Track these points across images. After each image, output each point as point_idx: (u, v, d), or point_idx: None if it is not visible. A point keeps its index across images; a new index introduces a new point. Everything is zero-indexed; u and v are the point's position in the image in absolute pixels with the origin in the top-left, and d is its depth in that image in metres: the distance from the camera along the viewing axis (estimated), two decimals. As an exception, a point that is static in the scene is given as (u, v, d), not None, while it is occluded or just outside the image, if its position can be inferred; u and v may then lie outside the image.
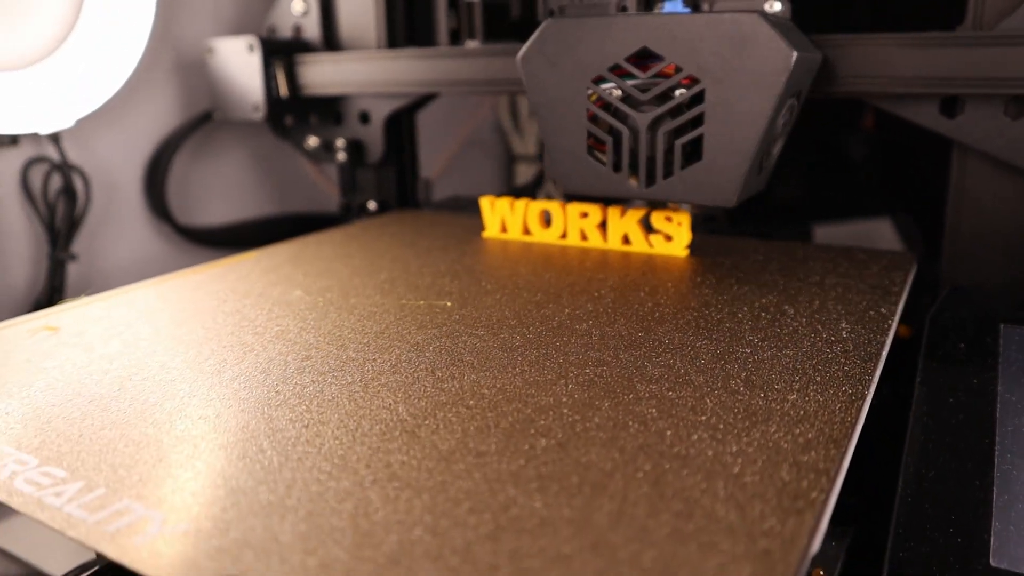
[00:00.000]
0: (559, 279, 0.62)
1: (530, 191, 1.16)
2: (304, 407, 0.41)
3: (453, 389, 0.43)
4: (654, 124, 0.62)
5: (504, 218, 0.76)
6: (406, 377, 0.45)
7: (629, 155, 0.64)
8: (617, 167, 0.65)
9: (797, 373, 0.44)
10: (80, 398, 0.44)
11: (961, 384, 0.49)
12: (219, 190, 1.06)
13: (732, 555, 0.29)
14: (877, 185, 1.23)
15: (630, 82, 0.62)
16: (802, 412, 0.39)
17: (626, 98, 0.63)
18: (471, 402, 0.41)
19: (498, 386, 0.43)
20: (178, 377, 0.46)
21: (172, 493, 0.34)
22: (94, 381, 0.46)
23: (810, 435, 0.37)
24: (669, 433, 0.38)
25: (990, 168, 0.64)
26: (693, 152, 0.62)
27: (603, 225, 0.71)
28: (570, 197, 0.72)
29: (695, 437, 0.37)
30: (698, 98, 0.60)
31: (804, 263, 0.65)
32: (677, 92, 0.61)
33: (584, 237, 0.72)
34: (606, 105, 0.64)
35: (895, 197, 1.19)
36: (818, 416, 0.39)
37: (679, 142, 0.62)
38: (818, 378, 0.43)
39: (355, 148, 0.92)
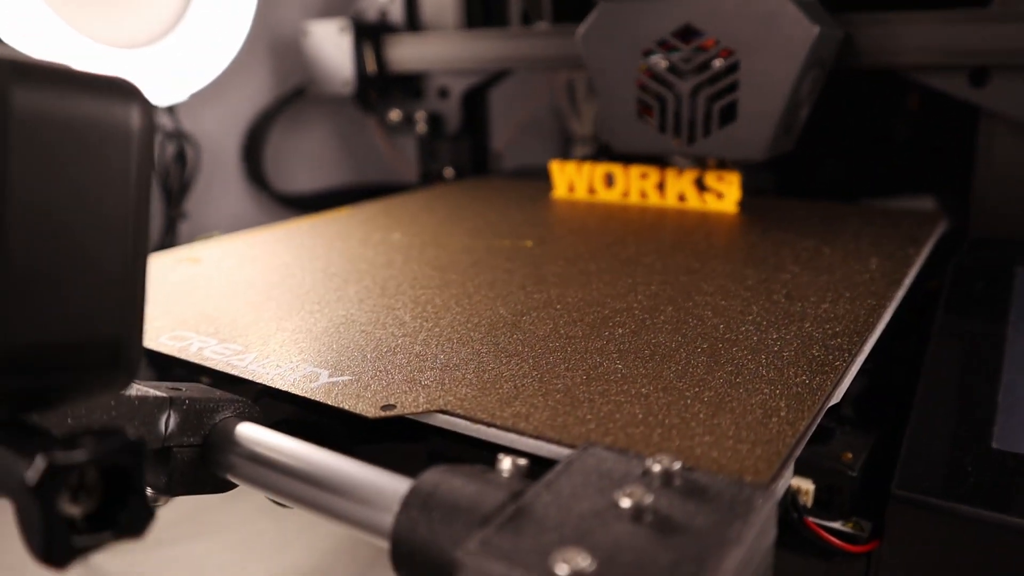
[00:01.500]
0: (623, 227, 0.71)
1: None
2: (421, 309, 0.51)
3: (542, 298, 0.52)
4: (695, 91, 0.71)
5: (571, 179, 0.85)
6: (501, 291, 0.54)
7: (673, 118, 0.73)
8: (663, 128, 0.74)
9: (830, 290, 0.52)
10: (237, 300, 0.54)
11: (978, 312, 0.57)
12: (305, 160, 1.17)
13: (771, 395, 0.37)
14: (922, 164, 1.29)
15: (675, 55, 0.71)
16: (832, 315, 0.48)
17: (671, 68, 0.72)
18: (558, 306, 0.50)
19: (579, 296, 0.52)
20: (310, 290, 0.56)
21: (334, 356, 0.43)
22: (243, 291, 0.56)
23: (838, 328, 0.46)
24: (722, 326, 0.46)
25: (1014, 132, 0.71)
26: (728, 114, 0.71)
27: (660, 185, 0.80)
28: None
29: (743, 329, 0.46)
30: (733, 68, 0.69)
31: (843, 218, 0.73)
32: (715, 63, 0.70)
33: (643, 195, 0.81)
34: (654, 75, 0.73)
35: (938, 175, 1.25)
36: (845, 317, 0.47)
37: (716, 106, 0.71)
38: (847, 294, 0.51)
39: (434, 121, 1.02)
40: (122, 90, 0.25)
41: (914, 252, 0.61)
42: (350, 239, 0.70)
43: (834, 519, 0.47)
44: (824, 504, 0.48)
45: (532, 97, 1.60)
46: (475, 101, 1.04)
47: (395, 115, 1.06)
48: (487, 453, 0.34)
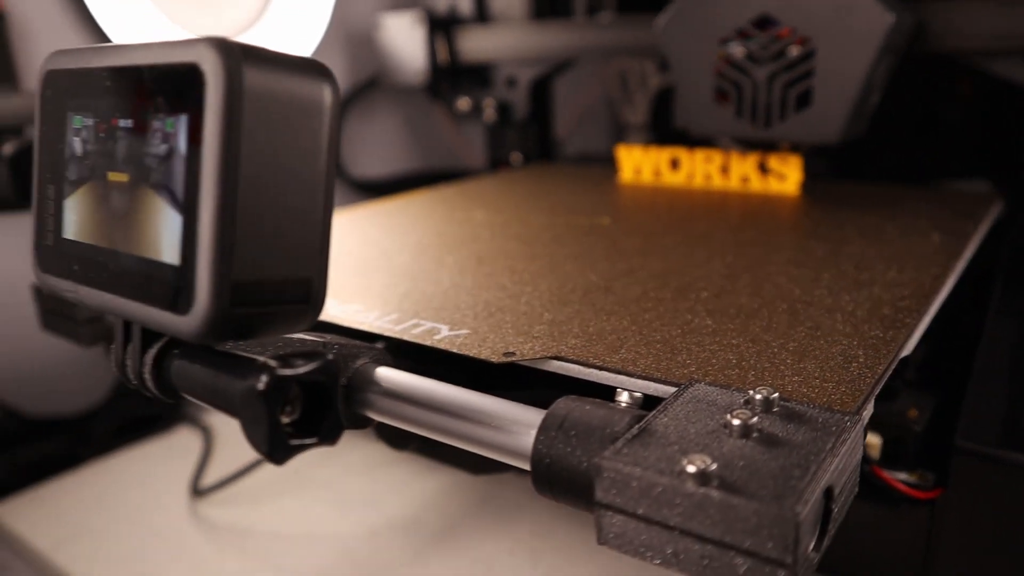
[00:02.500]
0: (691, 207, 0.76)
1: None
2: (518, 276, 0.56)
3: (626, 267, 0.57)
4: (771, 77, 0.75)
5: (638, 163, 0.89)
6: (587, 261, 0.59)
7: (750, 103, 0.77)
8: (739, 113, 0.78)
9: (895, 261, 0.56)
10: (344, 270, 0.59)
11: (1034, 285, 0.61)
12: (376, 147, 1.23)
13: (849, 345, 0.42)
14: (974, 149, 1.31)
15: (752, 43, 0.75)
16: (898, 282, 0.52)
17: (748, 56, 0.76)
18: (643, 274, 0.55)
19: (661, 266, 0.57)
20: (410, 261, 0.61)
21: (448, 315, 0.48)
22: (346, 262, 0.61)
23: (905, 293, 0.50)
24: (797, 290, 0.51)
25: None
26: (803, 100, 0.75)
27: (724, 169, 0.84)
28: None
29: (817, 293, 0.50)
30: (808, 55, 0.73)
31: (901, 198, 0.76)
32: (791, 50, 0.73)
33: (707, 178, 0.85)
34: (731, 62, 0.77)
35: (992, 160, 1.27)
36: (911, 284, 0.51)
37: (792, 92, 0.75)
38: (912, 263, 0.55)
39: (502, 109, 1.07)
40: (319, 70, 0.30)
41: (972, 228, 0.65)
42: (435, 217, 0.75)
43: (900, 471, 0.51)
44: (891, 457, 0.52)
45: (588, 87, 1.64)
46: (541, 90, 1.08)
47: (464, 104, 1.11)
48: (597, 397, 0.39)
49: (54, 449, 0.83)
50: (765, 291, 0.51)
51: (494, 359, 0.42)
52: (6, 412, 0.85)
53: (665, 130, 1.22)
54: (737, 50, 0.76)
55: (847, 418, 0.33)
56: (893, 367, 0.41)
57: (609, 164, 0.99)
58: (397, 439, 0.52)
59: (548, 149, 1.11)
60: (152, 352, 0.33)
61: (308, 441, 0.29)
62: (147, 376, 0.33)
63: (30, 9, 0.86)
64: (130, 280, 0.31)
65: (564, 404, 0.34)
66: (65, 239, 0.35)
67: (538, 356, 0.42)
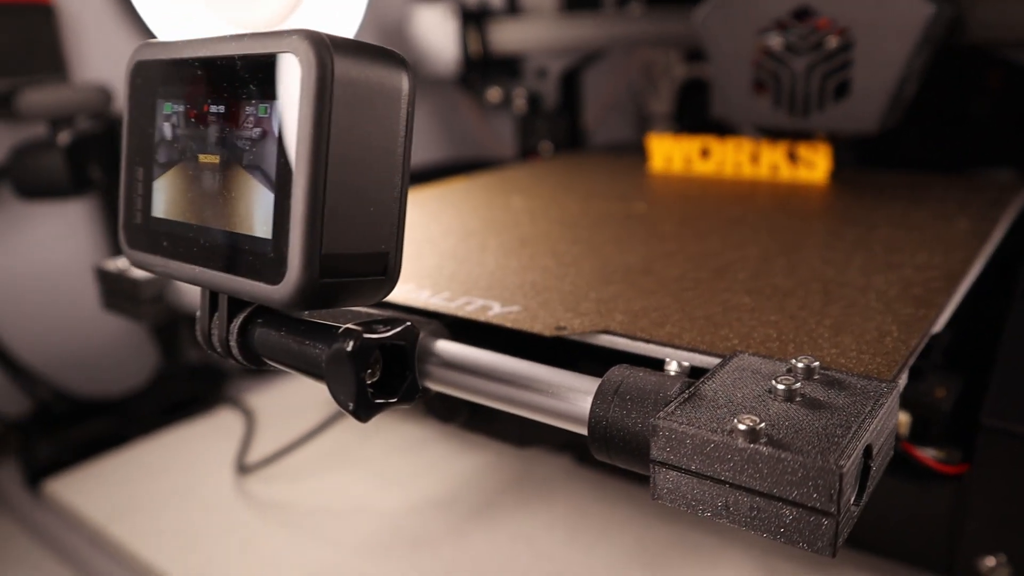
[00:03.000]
0: (723, 194, 0.78)
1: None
2: (560, 258, 0.58)
3: (665, 250, 0.59)
4: (810, 68, 0.77)
5: (669, 152, 0.91)
6: (626, 245, 0.61)
7: (788, 93, 0.79)
8: (777, 103, 0.80)
9: (924, 245, 0.58)
10: (412, 250, 0.61)
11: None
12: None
13: (883, 321, 0.44)
14: (1001, 140, 1.31)
15: (791, 34, 0.77)
16: (928, 264, 0.54)
17: (787, 47, 0.78)
18: (681, 256, 0.57)
19: (697, 249, 0.59)
20: (455, 244, 0.63)
21: (497, 293, 0.51)
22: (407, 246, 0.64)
23: (934, 275, 0.52)
24: (830, 271, 0.53)
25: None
26: (841, 90, 0.76)
27: (754, 157, 0.86)
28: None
29: (849, 274, 0.52)
30: (847, 46, 0.75)
31: (928, 185, 0.78)
32: (829, 41, 0.75)
33: (738, 167, 0.87)
34: (770, 53, 0.79)
35: (1018, 151, 1.27)
36: (940, 267, 0.53)
37: (831, 82, 0.76)
38: (940, 247, 0.57)
39: (532, 99, 1.09)
40: (397, 60, 0.33)
41: (999, 214, 0.67)
42: (474, 203, 0.78)
43: (928, 448, 0.53)
44: (919, 435, 0.54)
45: (614, 78, 1.66)
46: (571, 81, 1.10)
47: (494, 95, 1.13)
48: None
49: (102, 429, 0.86)
50: (799, 272, 0.53)
51: (547, 333, 0.44)
52: (58, 394, 0.89)
53: (689, 120, 1.24)
54: (776, 41, 0.78)
55: (884, 385, 0.35)
56: (925, 342, 0.43)
57: (636, 153, 1.01)
58: (446, 412, 0.55)
59: (577, 139, 1.13)
60: (238, 321, 0.35)
61: (389, 400, 0.32)
62: (232, 344, 0.36)
63: (76, 3, 0.89)
64: (222, 254, 0.33)
65: (618, 372, 0.37)
66: (154, 217, 0.37)
67: (588, 330, 0.44)
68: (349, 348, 0.30)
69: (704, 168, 0.89)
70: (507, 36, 1.07)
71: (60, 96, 0.76)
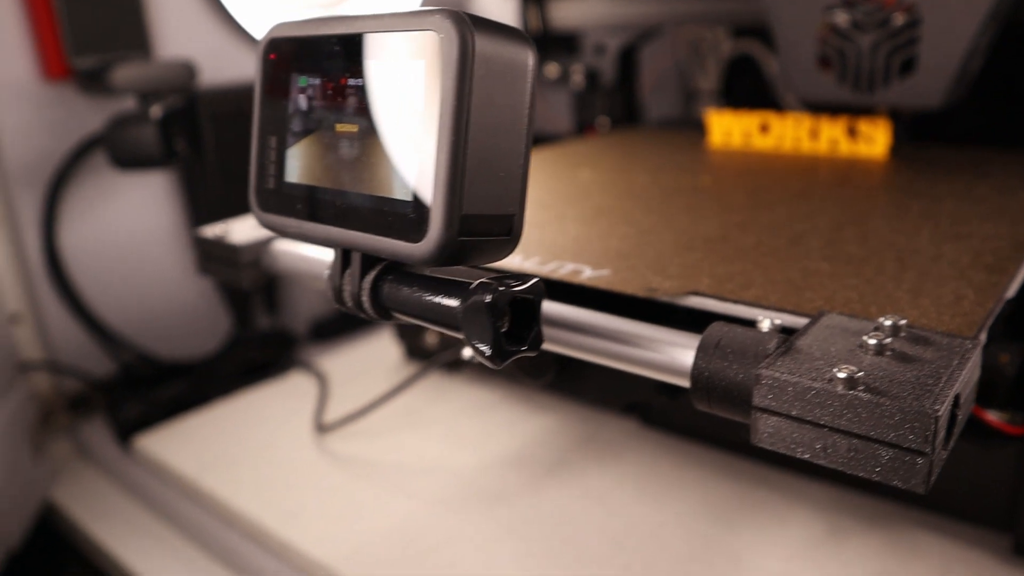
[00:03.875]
0: (785, 168, 0.80)
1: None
2: (637, 227, 0.61)
3: (738, 220, 0.62)
4: (876, 45, 0.79)
5: (728, 127, 0.93)
6: (699, 215, 0.64)
7: (853, 70, 0.81)
8: (843, 79, 0.82)
9: (990, 218, 0.60)
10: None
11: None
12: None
13: (958, 287, 0.46)
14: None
15: (857, 11, 0.79)
16: (996, 235, 0.56)
17: (853, 23, 0.80)
18: (754, 226, 0.60)
19: (768, 219, 0.62)
20: (531, 213, 0.66)
21: (585, 258, 0.54)
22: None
23: (1003, 244, 0.54)
24: (901, 240, 0.55)
25: None
26: (907, 66, 0.78)
27: (814, 132, 0.88)
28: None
29: (920, 243, 0.55)
30: (914, 23, 0.76)
31: (990, 161, 0.80)
32: (896, 18, 0.77)
33: (797, 142, 0.89)
34: (835, 30, 0.81)
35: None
36: (1008, 237, 0.56)
37: (896, 58, 0.78)
38: (1006, 219, 0.60)
39: (590, 75, 1.11)
40: (524, 37, 0.36)
41: (1062, 187, 0.68)
42: (543, 176, 0.81)
43: (992, 410, 0.56)
44: (983, 398, 0.57)
45: (661, 54, 1.67)
46: (628, 57, 1.13)
47: (552, 70, 1.16)
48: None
49: (184, 389, 0.90)
50: (871, 242, 0.55)
51: (640, 294, 0.47)
52: (140, 356, 0.93)
53: (735, 97, 1.26)
54: (842, 18, 0.80)
55: (968, 341, 0.38)
56: (1000, 306, 0.45)
57: (692, 129, 1.04)
58: (535, 371, 0.58)
59: (633, 114, 1.15)
60: (369, 278, 0.39)
61: (519, 348, 0.35)
62: (364, 299, 0.39)
63: (161, -19, 0.93)
64: (360, 215, 0.37)
65: (717, 328, 0.40)
66: (288, 182, 0.41)
67: (679, 292, 0.47)
68: (488, 300, 0.33)
69: (763, 143, 0.91)
70: (566, 12, 1.09)
71: (150, 72, 0.79)
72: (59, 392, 0.93)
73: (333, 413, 0.82)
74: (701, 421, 0.67)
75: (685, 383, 0.40)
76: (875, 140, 0.84)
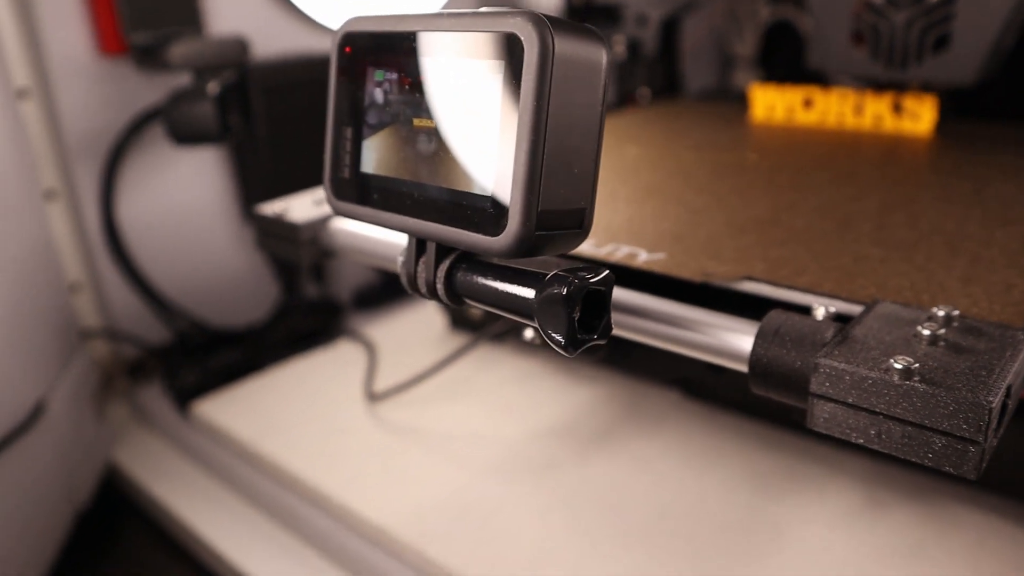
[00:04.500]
0: (830, 145, 0.81)
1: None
2: (688, 207, 0.63)
3: (787, 201, 0.63)
4: (910, 21, 0.79)
5: (771, 101, 0.94)
6: (749, 196, 0.65)
7: (887, 46, 0.81)
8: (875, 55, 0.82)
9: (1040, 199, 0.61)
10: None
11: None
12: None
13: (1010, 274, 0.48)
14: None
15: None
16: (1045, 219, 0.57)
17: (888, 0, 0.80)
18: (804, 207, 0.61)
19: (817, 201, 0.63)
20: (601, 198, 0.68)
21: (639, 241, 0.56)
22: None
23: (1053, 229, 0.55)
24: (951, 225, 0.56)
25: None
26: (940, 43, 0.78)
27: (858, 108, 0.88)
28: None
29: (969, 228, 0.56)
30: (947, 1, 0.76)
31: (1034, 138, 0.80)
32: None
33: (841, 117, 0.89)
34: (870, 5, 0.81)
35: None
36: (1058, 221, 0.57)
37: (930, 35, 0.78)
38: (1055, 202, 0.60)
39: (632, 45, 1.12)
40: (597, 36, 0.37)
41: (1110, 168, 0.69)
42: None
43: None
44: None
45: (699, 20, 1.66)
46: (670, 28, 1.13)
47: (593, 41, 1.16)
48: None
49: (237, 357, 0.94)
50: (921, 225, 0.57)
51: (696, 279, 0.49)
52: (195, 324, 0.96)
53: (772, 64, 1.26)
54: (877, -6, 0.80)
55: (1020, 332, 0.39)
56: (1049, 293, 0.47)
57: (734, 101, 1.04)
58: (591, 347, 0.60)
59: (675, 85, 1.16)
60: (444, 266, 0.41)
61: (591, 337, 0.37)
62: (439, 287, 0.41)
63: (211, -44, 0.94)
64: (438, 207, 0.39)
65: (776, 316, 0.42)
66: (364, 173, 0.43)
67: (734, 277, 0.49)
68: (564, 293, 0.35)
69: (806, 118, 0.92)
70: (609, -16, 1.09)
71: (205, 48, 0.81)
72: (118, 358, 0.96)
73: (382, 381, 0.85)
74: (741, 394, 0.69)
75: (743, 368, 0.42)
76: (920, 116, 0.84)
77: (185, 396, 0.87)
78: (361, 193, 0.43)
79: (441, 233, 0.39)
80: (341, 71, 0.43)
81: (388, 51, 0.41)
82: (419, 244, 0.42)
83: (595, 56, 0.37)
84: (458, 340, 0.92)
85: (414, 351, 0.90)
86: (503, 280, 0.39)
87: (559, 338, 0.36)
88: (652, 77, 1.13)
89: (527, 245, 0.36)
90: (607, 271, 0.37)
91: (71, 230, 0.91)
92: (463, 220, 0.38)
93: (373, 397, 0.82)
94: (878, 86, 0.87)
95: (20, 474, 0.68)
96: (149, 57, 0.86)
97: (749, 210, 0.61)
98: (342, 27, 0.43)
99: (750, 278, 0.49)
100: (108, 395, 0.95)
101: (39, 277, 0.80)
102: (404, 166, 0.40)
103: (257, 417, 0.82)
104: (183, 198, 0.98)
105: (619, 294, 0.47)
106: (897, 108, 0.86)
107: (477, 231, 0.37)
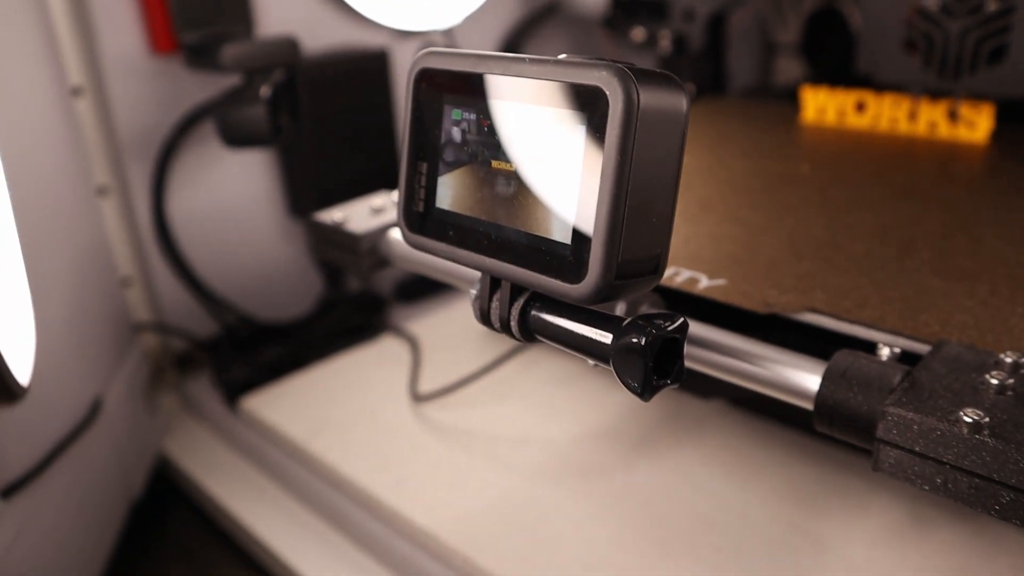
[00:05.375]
0: (883, 154, 0.80)
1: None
2: (744, 226, 0.63)
3: (844, 221, 0.63)
4: (965, 32, 0.78)
5: (822, 104, 0.93)
6: (805, 213, 0.65)
7: (940, 55, 0.80)
8: (928, 63, 0.81)
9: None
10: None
11: None
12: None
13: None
14: None
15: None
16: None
17: (943, 8, 0.79)
18: (862, 230, 0.61)
19: (875, 221, 0.63)
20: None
21: (698, 265, 0.56)
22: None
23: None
24: (1011, 253, 0.56)
25: None
26: (996, 54, 0.77)
27: (912, 114, 0.87)
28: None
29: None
30: (1007, 10, 0.75)
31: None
32: (988, 5, 0.76)
33: (894, 123, 0.88)
34: (924, 14, 0.80)
35: None
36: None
37: (986, 46, 0.78)
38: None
39: (678, 41, 1.11)
40: (678, 84, 0.37)
41: None
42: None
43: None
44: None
45: (746, 9, 1.64)
46: (717, 23, 1.12)
47: (638, 34, 1.15)
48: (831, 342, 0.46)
49: (283, 352, 0.95)
50: (982, 253, 0.57)
51: (760, 311, 0.49)
52: (241, 318, 0.98)
53: (817, 52, 1.24)
54: (931, 2, 0.79)
55: (1091, 383, 0.39)
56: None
57: (781, 101, 1.04)
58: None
59: (720, 82, 1.15)
60: (518, 304, 0.42)
61: (665, 382, 0.38)
62: (513, 324, 0.42)
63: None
64: (515, 249, 0.39)
65: (842, 358, 0.42)
66: (440, 208, 0.43)
67: (797, 309, 0.49)
68: (642, 343, 0.36)
69: (858, 122, 0.91)
70: (655, -22, 1.09)
71: (256, 50, 0.82)
72: (167, 351, 0.98)
73: (426, 379, 0.86)
74: (785, 404, 0.69)
75: (807, 406, 0.43)
76: (977, 125, 0.84)
77: (234, 391, 0.89)
78: (437, 228, 0.44)
79: (518, 275, 0.39)
80: (416, 106, 0.44)
81: (467, 91, 0.41)
82: (493, 281, 0.43)
83: (677, 105, 0.37)
84: (499, 336, 0.93)
85: (457, 347, 0.92)
86: (579, 322, 0.40)
87: (635, 386, 0.37)
88: (698, 73, 1.13)
89: (605, 294, 0.36)
90: (682, 319, 0.37)
91: (123, 225, 0.92)
92: (541, 265, 0.38)
93: (418, 398, 0.84)
94: (932, 93, 0.87)
95: (81, 470, 0.70)
96: (200, 56, 0.87)
97: (806, 230, 0.61)
98: (418, 60, 0.44)
99: (813, 310, 0.49)
100: (159, 387, 0.97)
101: (95, 274, 0.82)
102: (481, 206, 0.41)
103: (305, 415, 0.84)
104: (231, 194, 0.99)
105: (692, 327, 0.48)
106: (953, 115, 0.85)
107: (555, 277, 0.38)
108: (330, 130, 0.99)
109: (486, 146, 0.40)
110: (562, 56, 0.38)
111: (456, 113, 0.42)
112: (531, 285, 0.39)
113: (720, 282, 0.53)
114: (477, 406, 0.83)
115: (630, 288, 0.38)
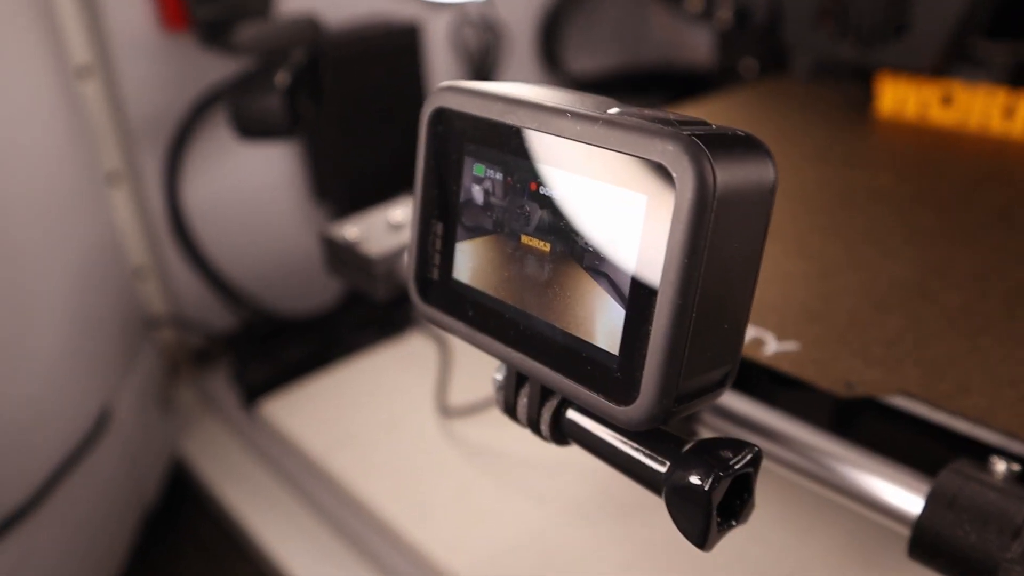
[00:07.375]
0: (976, 163, 0.70)
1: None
2: (816, 262, 0.55)
3: (933, 259, 0.54)
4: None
5: (903, 95, 0.83)
6: (885, 246, 0.56)
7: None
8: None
9: None
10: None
11: None
12: (592, 42, 1.19)
13: None
14: None
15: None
16: None
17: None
18: (956, 273, 0.52)
19: (970, 260, 0.54)
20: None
21: (765, 320, 0.48)
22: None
23: None
24: None
25: None
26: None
27: (1009, 111, 0.76)
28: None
29: None
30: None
31: None
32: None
33: (986, 119, 0.78)
34: None
35: None
36: None
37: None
38: None
39: (739, 13, 1.01)
40: (763, 151, 0.29)
41: None
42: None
43: None
44: None
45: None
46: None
47: (695, 4, 1.05)
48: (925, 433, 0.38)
49: (305, 350, 0.89)
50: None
51: (839, 392, 0.41)
52: (261, 312, 0.92)
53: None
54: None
55: None
56: None
57: (844, 82, 0.93)
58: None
59: (782, 57, 1.04)
60: (550, 406, 0.34)
61: (731, 524, 0.30)
62: (543, 427, 0.35)
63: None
64: (548, 348, 0.32)
65: (951, 479, 0.34)
66: (457, 280, 0.36)
67: (883, 392, 0.41)
68: (705, 487, 0.28)
69: (943, 118, 0.81)
70: (717, -58, 0.98)
71: (272, 31, 0.74)
72: (183, 345, 0.93)
73: (456, 390, 0.80)
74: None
75: (903, 530, 0.35)
76: (1083, 125, 0.73)
77: (254, 393, 0.84)
78: (453, 304, 0.36)
79: (550, 380, 0.32)
80: (430, 152, 0.36)
81: (492, 143, 0.34)
82: (519, 375, 0.36)
83: (762, 178, 0.29)
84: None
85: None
86: (626, 440, 0.32)
87: (691, 532, 0.29)
88: (760, 48, 1.02)
89: (660, 420, 0.29)
90: (756, 448, 0.30)
91: (135, 215, 0.86)
92: (579, 374, 0.31)
93: (447, 412, 0.77)
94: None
95: (91, 480, 0.66)
96: (215, 33, 0.79)
97: (890, 269, 0.53)
98: (433, 97, 0.36)
99: (904, 392, 0.41)
100: (174, 383, 0.92)
101: (103, 270, 0.76)
102: (508, 288, 0.33)
103: (325, 424, 0.79)
104: (249, 179, 0.92)
105: (752, 410, 0.40)
106: (1055, 113, 0.75)
107: (597, 392, 0.30)
108: (357, 111, 0.92)
109: (514, 215, 0.33)
110: (614, 111, 0.30)
111: (479, 168, 0.34)
112: (566, 394, 0.32)
113: (791, 346, 0.45)
114: (510, 425, 0.76)
115: (690, 409, 0.30)
